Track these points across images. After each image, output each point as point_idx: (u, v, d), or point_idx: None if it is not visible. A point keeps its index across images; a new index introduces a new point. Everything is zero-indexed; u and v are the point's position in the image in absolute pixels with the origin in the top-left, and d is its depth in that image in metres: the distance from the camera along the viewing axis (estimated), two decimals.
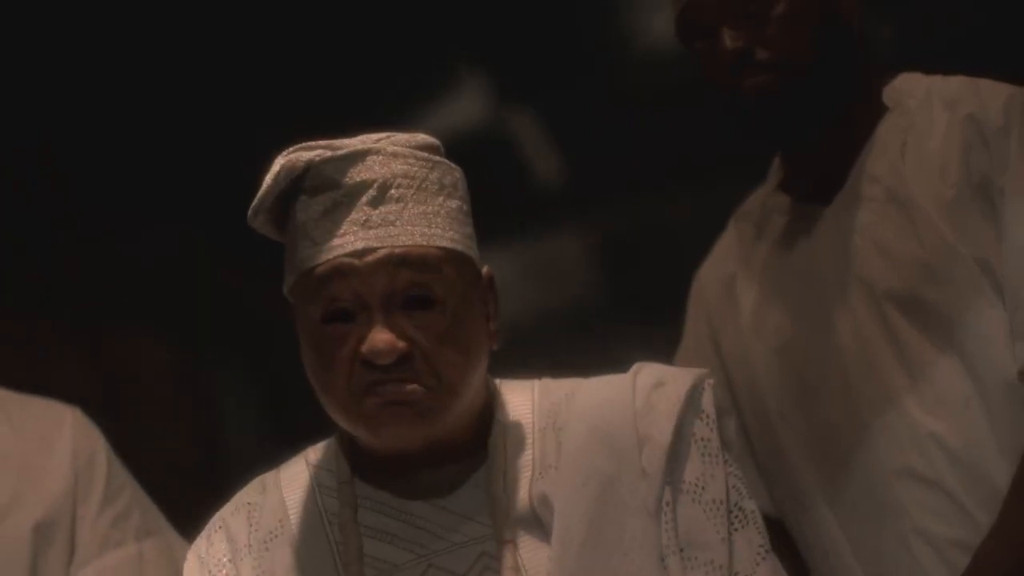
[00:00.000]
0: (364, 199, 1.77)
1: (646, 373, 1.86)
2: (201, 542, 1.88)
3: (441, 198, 1.80)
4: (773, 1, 2.18)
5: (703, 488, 1.79)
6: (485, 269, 1.85)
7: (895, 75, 2.29)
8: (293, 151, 1.79)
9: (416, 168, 1.80)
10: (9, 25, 3.10)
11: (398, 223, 1.76)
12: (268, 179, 1.78)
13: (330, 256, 1.76)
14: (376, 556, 1.80)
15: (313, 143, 1.80)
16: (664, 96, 2.87)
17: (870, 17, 2.30)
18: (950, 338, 2.13)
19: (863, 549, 2.18)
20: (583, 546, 1.75)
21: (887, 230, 2.18)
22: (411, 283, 1.75)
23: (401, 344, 1.74)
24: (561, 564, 1.75)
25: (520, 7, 3.12)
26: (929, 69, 2.28)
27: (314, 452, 1.90)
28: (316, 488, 1.85)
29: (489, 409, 1.85)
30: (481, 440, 1.83)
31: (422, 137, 1.84)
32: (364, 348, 1.74)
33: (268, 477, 1.90)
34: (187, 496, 2.44)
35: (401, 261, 1.75)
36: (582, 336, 3.14)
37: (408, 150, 1.81)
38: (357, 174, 1.78)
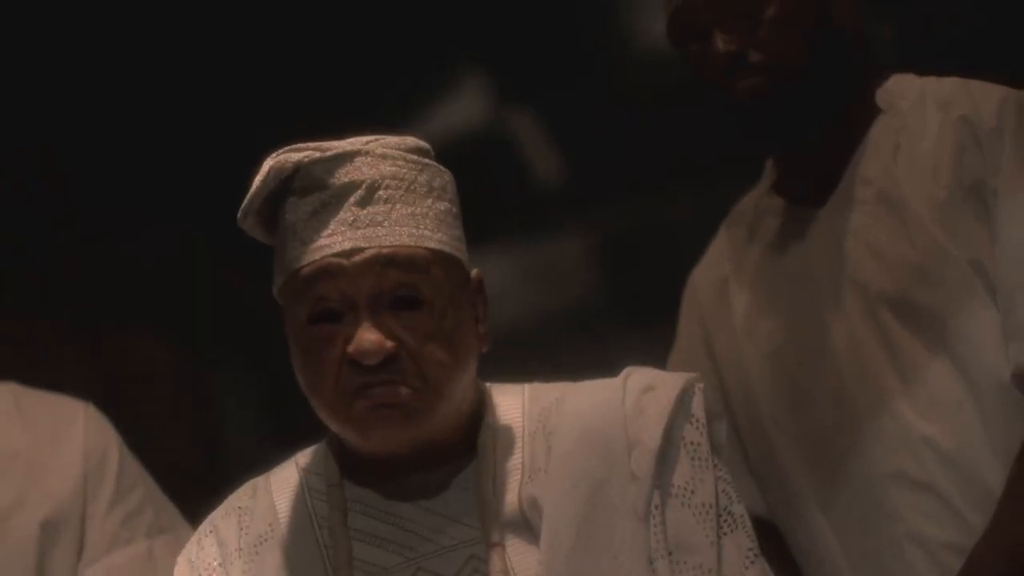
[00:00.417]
0: (352, 199, 1.77)
1: (636, 377, 1.85)
2: (192, 546, 1.88)
3: (430, 200, 1.80)
4: (765, 3, 2.17)
5: (692, 492, 1.79)
6: (474, 272, 1.85)
7: (889, 76, 2.29)
8: (282, 152, 1.79)
9: (405, 170, 1.80)
10: (9, 25, 3.10)
11: (386, 223, 1.77)
12: (257, 180, 1.78)
13: (317, 256, 1.76)
14: (365, 560, 1.79)
15: (302, 145, 1.80)
16: (664, 96, 2.87)
17: (870, 17, 2.29)
18: (943, 340, 2.12)
19: (856, 553, 2.18)
20: (572, 549, 1.75)
21: (880, 232, 2.18)
22: (398, 283, 1.75)
23: (388, 344, 1.74)
24: (550, 567, 1.74)
25: (520, 7, 3.12)
26: (929, 70, 2.28)
27: (304, 456, 1.90)
28: (306, 492, 1.85)
29: (478, 412, 1.85)
30: (470, 443, 1.83)
31: (412, 140, 1.84)
32: (351, 348, 1.74)
33: (259, 481, 1.90)
34: (187, 496, 2.44)
35: (389, 261, 1.75)
36: (582, 337, 3.14)
37: (398, 152, 1.81)
38: (345, 175, 1.78)
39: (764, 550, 1.84)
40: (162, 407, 3.16)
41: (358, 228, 1.77)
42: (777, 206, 2.31)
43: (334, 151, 1.79)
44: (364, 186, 1.78)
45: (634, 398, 1.82)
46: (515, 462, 1.82)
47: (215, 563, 1.84)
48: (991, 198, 2.11)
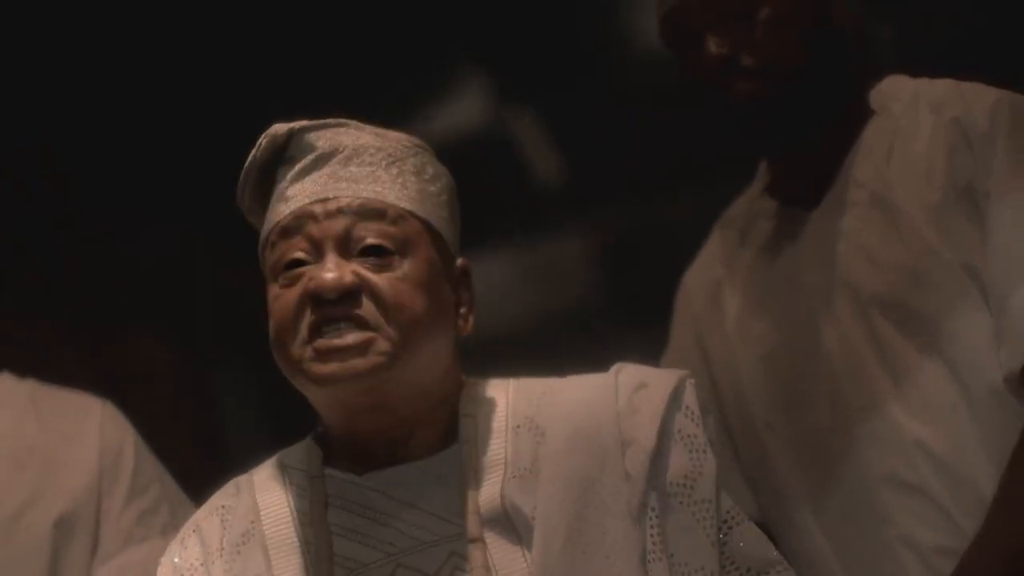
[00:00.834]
0: (336, 159, 1.79)
1: (628, 373, 1.84)
2: (175, 546, 1.87)
3: (416, 179, 1.81)
4: (759, 5, 2.17)
5: (691, 488, 1.78)
6: (460, 260, 1.85)
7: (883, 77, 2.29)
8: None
9: (394, 147, 1.82)
10: (9, 25, 3.10)
11: (365, 181, 1.78)
12: (252, 152, 1.82)
13: (294, 207, 1.78)
14: (346, 555, 1.78)
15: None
16: (664, 96, 2.86)
17: (869, 17, 2.29)
18: (936, 343, 2.12)
19: (848, 556, 2.17)
20: (564, 548, 1.73)
21: (872, 235, 2.17)
22: (369, 231, 1.76)
23: (348, 277, 1.73)
24: (543, 566, 1.73)
25: (520, 8, 3.12)
26: (929, 70, 2.27)
27: (287, 453, 1.88)
28: (287, 488, 1.84)
29: (459, 402, 1.83)
30: (451, 434, 1.82)
31: (415, 137, 1.86)
32: (310, 283, 1.74)
33: (242, 480, 1.89)
34: (187, 496, 2.44)
35: (360, 209, 1.77)
36: (582, 337, 3.14)
37: (393, 135, 1.83)
38: (334, 139, 1.80)
39: None
40: (162, 407, 3.16)
41: (335, 181, 1.78)
42: (770, 208, 2.31)
43: (327, 120, 1.82)
44: (347, 150, 1.79)
45: (627, 396, 1.81)
46: (497, 456, 1.80)
47: (197, 563, 1.83)
48: (983, 201, 2.11)
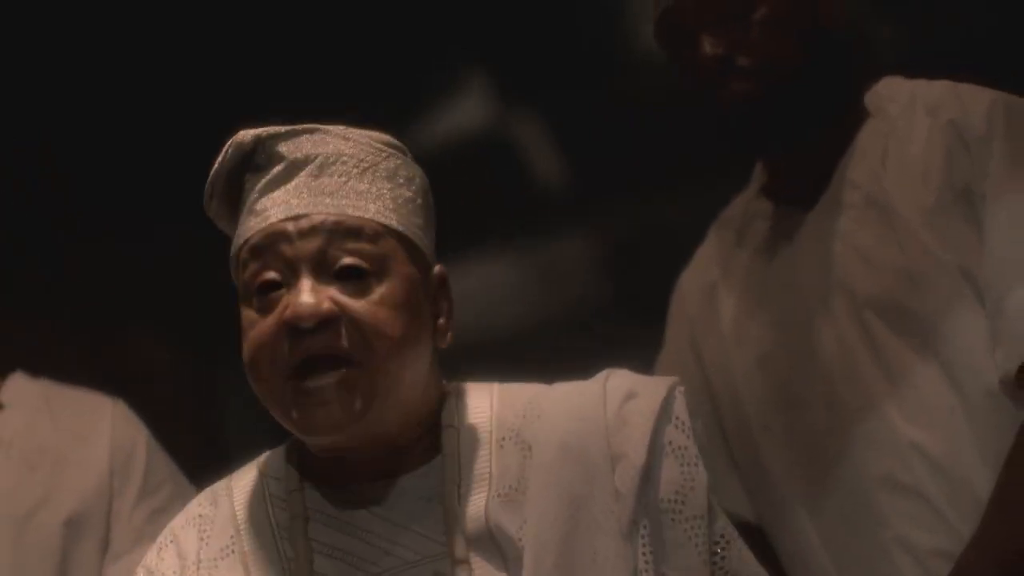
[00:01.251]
0: (305, 172, 1.73)
1: (616, 382, 1.78)
2: (151, 556, 1.82)
3: (390, 185, 1.75)
4: (754, 5, 2.16)
5: (683, 503, 1.73)
6: (437, 267, 1.79)
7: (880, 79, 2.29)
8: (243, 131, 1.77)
9: (366, 152, 1.76)
10: (9, 25, 3.10)
11: (338, 195, 1.72)
12: (219, 160, 1.76)
13: (264, 224, 1.71)
14: (327, 574, 1.72)
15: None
16: (666, 96, 2.86)
17: (869, 18, 2.29)
18: (932, 345, 2.12)
19: (843, 558, 2.17)
20: (555, 568, 1.68)
21: (868, 237, 2.17)
22: (344, 251, 1.70)
23: (326, 305, 1.67)
24: None
25: (521, 9, 3.12)
26: (929, 71, 2.27)
27: (265, 459, 1.83)
28: (267, 499, 1.79)
29: (442, 412, 1.77)
30: (434, 447, 1.76)
31: (384, 135, 1.80)
32: (287, 312, 1.67)
33: (219, 487, 1.84)
34: None
35: (335, 227, 1.70)
36: (582, 337, 3.13)
37: (365, 138, 1.77)
38: (301, 149, 1.74)
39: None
40: (162, 407, 3.16)
41: (308, 195, 1.71)
42: (766, 209, 2.30)
43: (294, 126, 1.75)
44: (319, 159, 1.73)
45: (615, 407, 1.75)
46: (482, 471, 1.75)
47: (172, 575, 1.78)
48: (980, 203, 2.10)
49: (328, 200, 1.72)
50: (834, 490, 2.17)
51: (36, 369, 2.62)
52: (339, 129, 1.77)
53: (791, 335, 2.23)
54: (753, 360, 2.26)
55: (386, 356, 1.69)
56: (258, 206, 1.73)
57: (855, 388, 2.16)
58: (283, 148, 1.74)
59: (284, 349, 1.68)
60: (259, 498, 1.79)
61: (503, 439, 1.76)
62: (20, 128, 3.11)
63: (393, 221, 1.73)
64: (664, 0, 2.21)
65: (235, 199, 1.78)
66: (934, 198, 2.12)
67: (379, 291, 1.70)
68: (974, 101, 2.14)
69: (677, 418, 1.76)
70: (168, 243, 3.20)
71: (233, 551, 1.77)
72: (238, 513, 1.79)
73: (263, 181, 1.74)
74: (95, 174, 3.20)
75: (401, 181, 1.76)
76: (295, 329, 1.67)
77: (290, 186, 1.72)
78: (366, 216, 1.72)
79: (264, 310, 1.71)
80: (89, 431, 2.44)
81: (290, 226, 1.70)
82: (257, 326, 1.71)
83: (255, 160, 1.75)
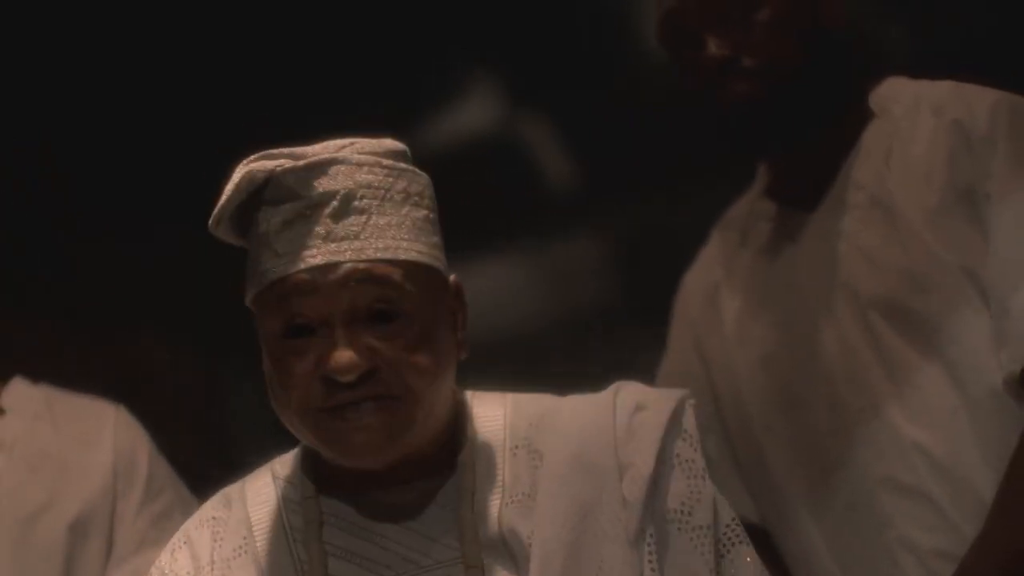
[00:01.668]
0: (327, 211, 1.74)
1: (626, 395, 1.81)
2: (165, 557, 1.84)
3: (407, 208, 1.76)
4: (756, 5, 2.16)
5: (689, 513, 1.75)
6: (452, 278, 1.81)
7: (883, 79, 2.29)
8: (254, 160, 1.76)
9: (381, 178, 1.76)
10: (9, 25, 3.10)
11: (362, 236, 1.73)
12: (228, 189, 1.75)
13: (292, 270, 1.72)
14: None
15: (276, 151, 1.77)
16: (668, 97, 2.86)
17: (870, 18, 2.29)
18: (935, 346, 2.12)
19: (846, 559, 2.17)
20: (562, 574, 1.70)
21: (871, 237, 2.17)
22: (374, 298, 1.72)
23: (363, 361, 1.70)
24: None
25: (525, 10, 3.12)
26: (930, 72, 2.27)
27: (280, 463, 1.86)
28: (281, 503, 1.81)
29: (457, 421, 1.81)
30: (449, 455, 1.79)
31: (389, 143, 1.81)
32: (328, 365, 1.70)
33: (233, 490, 1.86)
34: (196, 500, 2.44)
35: (364, 277, 1.72)
36: (587, 339, 3.13)
37: (373, 158, 1.77)
38: (320, 185, 1.74)
39: None
40: (162, 407, 3.16)
41: (332, 241, 1.73)
42: (769, 210, 2.31)
43: (307, 160, 1.75)
44: (339, 197, 1.74)
45: (625, 419, 1.78)
46: (495, 479, 1.78)
47: None
48: (984, 203, 2.10)
49: (355, 244, 1.73)
50: (837, 490, 2.18)
51: (36, 369, 2.62)
52: (348, 154, 1.77)
53: (794, 335, 2.23)
54: (756, 360, 2.26)
55: (424, 391, 1.73)
56: (280, 245, 1.74)
57: (858, 388, 2.16)
58: (298, 184, 1.74)
59: (320, 392, 1.72)
60: (273, 502, 1.82)
61: (516, 447, 1.80)
62: (20, 128, 3.11)
63: (418, 253, 1.75)
64: (666, 1, 2.21)
65: (245, 224, 1.78)
66: (937, 198, 2.12)
67: (412, 331, 1.73)
68: (978, 101, 2.14)
69: (686, 431, 1.79)
70: (168, 243, 3.20)
71: (246, 551, 1.79)
72: (252, 516, 1.81)
73: (280, 218, 1.74)
74: (95, 174, 3.20)
75: (414, 200, 1.78)
76: (334, 381, 1.71)
77: (314, 230, 1.74)
78: (395, 259, 1.74)
79: (296, 352, 1.73)
80: (92, 436, 2.45)
81: (319, 278, 1.72)
82: (291, 371, 1.73)
83: (268, 193, 1.76)
